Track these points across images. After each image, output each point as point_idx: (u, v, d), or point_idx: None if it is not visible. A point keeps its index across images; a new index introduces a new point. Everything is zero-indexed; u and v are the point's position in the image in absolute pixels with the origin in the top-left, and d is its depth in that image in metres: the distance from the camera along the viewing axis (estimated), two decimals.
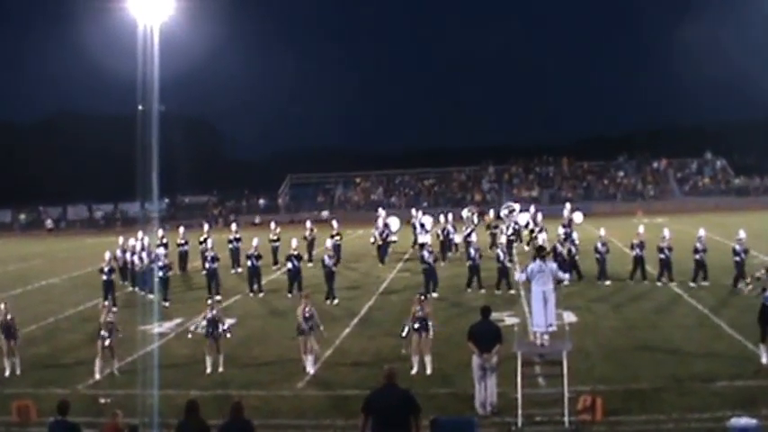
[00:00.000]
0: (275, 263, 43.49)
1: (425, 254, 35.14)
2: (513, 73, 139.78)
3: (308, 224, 46.36)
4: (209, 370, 23.69)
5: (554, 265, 20.72)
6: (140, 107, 62.94)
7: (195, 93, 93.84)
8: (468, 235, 43.83)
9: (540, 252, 20.99)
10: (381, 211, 50.34)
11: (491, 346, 19.04)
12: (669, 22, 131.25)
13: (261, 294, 36.19)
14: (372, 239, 46.28)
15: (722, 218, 60.45)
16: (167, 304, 34.57)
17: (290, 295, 35.07)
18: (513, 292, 33.50)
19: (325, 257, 34.87)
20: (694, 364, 22.44)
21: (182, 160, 79.43)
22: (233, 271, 42.94)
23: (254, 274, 36.75)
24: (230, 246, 44.09)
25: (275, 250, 44.37)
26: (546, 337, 19.88)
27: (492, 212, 52.20)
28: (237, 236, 44.65)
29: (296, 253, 36.11)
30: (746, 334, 24.25)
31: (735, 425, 15.69)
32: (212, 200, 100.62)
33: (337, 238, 44.06)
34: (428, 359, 22.69)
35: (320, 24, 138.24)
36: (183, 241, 43.80)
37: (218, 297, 33.74)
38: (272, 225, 47.04)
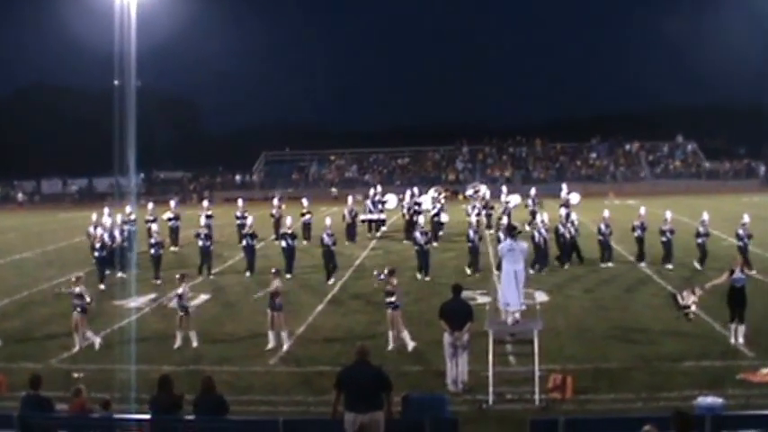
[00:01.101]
0: (241, 240, 43.12)
1: (418, 235, 34.44)
2: (488, 53, 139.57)
3: (276, 201, 45.73)
4: (177, 344, 23.82)
5: (525, 245, 20.87)
6: (116, 82, 62.73)
7: (171, 67, 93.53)
8: (437, 215, 43.77)
9: (511, 231, 21.11)
10: (378, 188, 50.09)
11: (462, 324, 19.22)
12: (643, 7, 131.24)
13: (248, 274, 35.22)
14: (342, 217, 45.13)
15: (692, 200, 60.82)
16: (159, 282, 33.78)
17: (288, 276, 33.72)
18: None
19: (325, 236, 34.11)
20: (663, 345, 22.71)
21: (157, 135, 79.23)
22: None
23: (250, 253, 35.81)
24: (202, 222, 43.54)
25: (241, 228, 43.31)
26: (516, 315, 20.05)
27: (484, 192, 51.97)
28: (209, 212, 44.14)
29: (290, 231, 35.33)
30: (714, 315, 24.53)
31: (701, 404, 15.88)
32: (187, 175, 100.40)
33: (308, 216, 43.96)
34: (406, 335, 22.90)
35: (297, 0, 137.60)
36: (151, 218, 42.20)
37: (212, 276, 34.36)
38: (240, 202, 46.45)
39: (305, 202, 45.81)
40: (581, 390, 18.83)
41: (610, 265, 34.96)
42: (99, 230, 36.35)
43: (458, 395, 18.74)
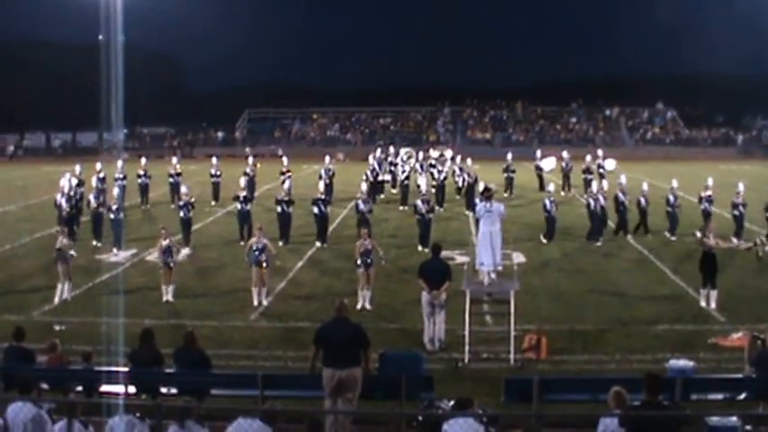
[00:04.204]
0: (216, 198, 43.15)
1: (419, 203, 32.18)
2: (472, 16, 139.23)
3: (250, 160, 44.76)
4: (165, 298, 23.98)
5: (501, 206, 21.06)
6: (101, 37, 62.26)
7: (156, 24, 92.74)
8: (407, 177, 43.24)
9: (485, 193, 21.32)
10: (391, 149, 49.22)
11: (440, 283, 19.45)
12: None
13: (288, 246, 31.94)
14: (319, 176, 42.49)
15: (672, 167, 61.01)
16: (188, 251, 31.18)
17: (318, 244, 32.14)
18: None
19: (359, 202, 32.27)
20: (638, 308, 23.07)
21: (141, 91, 78.73)
22: (173, 206, 41.92)
23: (285, 222, 32.68)
24: (170, 180, 43.52)
25: (216, 186, 43.77)
26: (492, 276, 20.29)
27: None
28: (178, 170, 43.99)
29: (323, 197, 32.99)
30: (688, 280, 24.96)
31: (673, 366, 16.15)
32: (170, 131, 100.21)
33: (288, 174, 42.61)
34: (368, 294, 23.16)
35: None
36: (121, 175, 41.68)
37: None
38: (213, 160, 45.89)
39: (285, 161, 45.10)
40: (556, 350, 19.11)
41: (673, 238, 33.03)
42: (60, 197, 34.69)
43: (434, 353, 19.01)
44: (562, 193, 44.68)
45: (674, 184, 34.38)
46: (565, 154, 47.56)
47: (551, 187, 35.50)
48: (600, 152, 47.18)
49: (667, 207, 33.75)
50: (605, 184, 34.76)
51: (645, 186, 34.64)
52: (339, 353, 14.28)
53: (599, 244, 32.31)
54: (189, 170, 52.97)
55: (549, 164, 47.08)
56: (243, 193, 33.50)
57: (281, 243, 31.46)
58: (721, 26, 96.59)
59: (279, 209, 32.75)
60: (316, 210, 32.53)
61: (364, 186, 34.61)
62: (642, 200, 33.91)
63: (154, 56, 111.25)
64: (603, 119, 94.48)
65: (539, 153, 49.01)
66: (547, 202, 32.95)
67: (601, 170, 45.04)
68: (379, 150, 48.51)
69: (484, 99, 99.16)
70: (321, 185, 33.83)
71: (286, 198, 32.77)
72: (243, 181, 35.56)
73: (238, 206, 33.26)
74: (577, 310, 22.88)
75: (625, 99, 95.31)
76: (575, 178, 46.56)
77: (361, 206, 31.99)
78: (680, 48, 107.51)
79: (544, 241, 32.56)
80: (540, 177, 47.54)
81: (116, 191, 33.95)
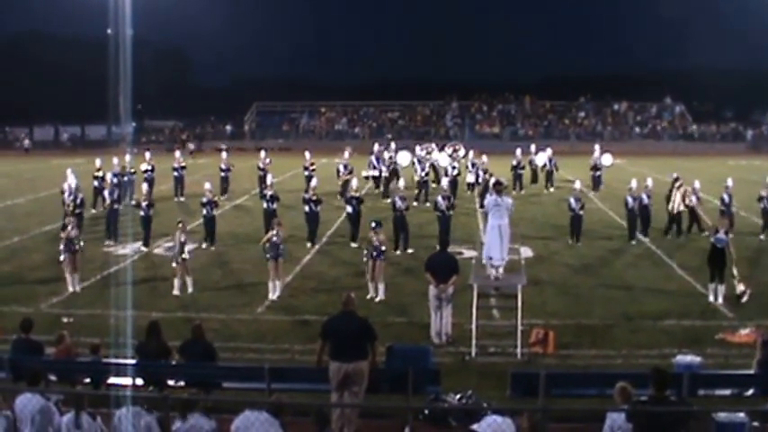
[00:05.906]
0: (224, 192, 43.06)
1: (439, 200, 30.74)
2: (481, 10, 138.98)
3: (263, 154, 44.28)
4: (176, 292, 23.97)
5: (510, 200, 21.01)
6: (109, 31, 62.34)
7: (164, 18, 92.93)
8: (427, 174, 42.47)
9: (497, 187, 21.26)
10: (392, 145, 49.42)
11: (447, 277, 19.46)
12: None
13: (314, 247, 30.71)
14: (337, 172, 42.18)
15: (680, 162, 60.89)
16: (213, 248, 30.80)
17: (353, 244, 30.46)
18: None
19: (397, 199, 30.42)
20: (645, 303, 23.01)
21: (149, 84, 78.92)
22: (176, 199, 42.64)
23: (313, 222, 31.29)
24: (175, 174, 43.70)
25: (225, 180, 43.84)
26: (500, 270, 20.28)
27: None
28: (183, 164, 44.23)
29: (357, 194, 31.63)
30: (696, 275, 24.94)
31: (680, 362, 16.14)
32: (178, 125, 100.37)
33: (313, 169, 42.37)
34: (381, 286, 23.19)
35: None
36: (131, 170, 41.96)
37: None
38: (223, 154, 46.26)
39: (307, 155, 44.18)
40: (563, 345, 19.12)
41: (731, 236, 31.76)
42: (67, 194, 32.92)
43: (441, 347, 18.98)
44: (545, 191, 45.42)
45: (729, 183, 33.36)
46: (549, 150, 47.66)
47: (577, 184, 34.58)
48: (597, 147, 47.14)
49: (721, 206, 32.74)
50: (650, 181, 33.66)
51: (696, 184, 33.17)
52: (346, 346, 14.30)
53: (633, 243, 31.50)
54: (198, 164, 53.01)
55: (543, 158, 47.29)
56: (270, 192, 32.41)
57: (309, 245, 30.76)
58: (730, 21, 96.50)
59: (306, 208, 31.30)
60: (349, 208, 31.47)
61: (402, 183, 34.03)
62: (693, 198, 32.50)
63: (162, 50, 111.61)
64: (611, 113, 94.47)
65: (533, 147, 49.37)
66: (572, 200, 31.94)
67: (599, 166, 45.20)
68: (376, 145, 48.08)
69: (492, 93, 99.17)
70: (354, 183, 32.67)
71: (314, 197, 31.31)
72: (269, 178, 35.21)
73: (264, 204, 32.11)
74: (584, 305, 22.87)
75: (633, 94, 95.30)
76: (582, 173, 46.50)
77: (399, 203, 30.07)
78: (688, 43, 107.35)
79: (571, 242, 31.66)
80: (534, 171, 48.30)
81: (144, 186, 33.44)
